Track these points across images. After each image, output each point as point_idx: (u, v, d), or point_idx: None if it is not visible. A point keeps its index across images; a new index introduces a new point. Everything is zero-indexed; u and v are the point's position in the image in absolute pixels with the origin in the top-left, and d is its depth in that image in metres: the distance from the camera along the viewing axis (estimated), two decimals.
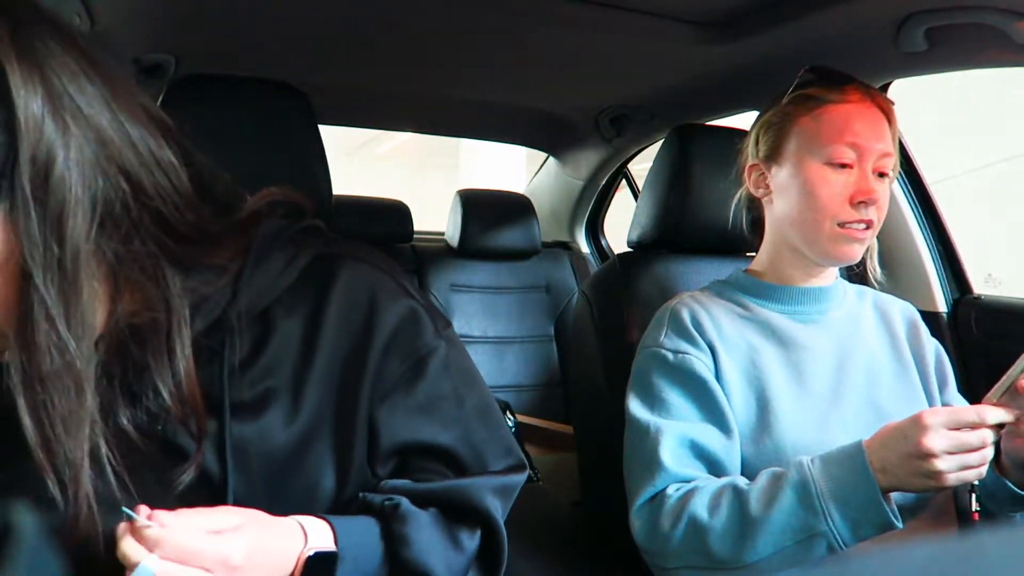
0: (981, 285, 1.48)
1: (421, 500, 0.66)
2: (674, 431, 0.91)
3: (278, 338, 0.64)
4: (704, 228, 1.24)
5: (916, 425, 0.76)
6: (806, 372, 0.96)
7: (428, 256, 2.24)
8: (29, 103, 0.49)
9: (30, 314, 0.50)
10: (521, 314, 2.25)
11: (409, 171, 8.29)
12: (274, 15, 1.35)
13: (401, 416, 0.67)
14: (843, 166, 0.93)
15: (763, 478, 0.84)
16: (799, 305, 1.01)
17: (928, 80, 1.33)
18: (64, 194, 0.50)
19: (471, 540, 0.68)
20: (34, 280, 0.49)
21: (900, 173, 1.49)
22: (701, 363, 0.95)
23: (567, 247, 2.56)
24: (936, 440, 0.74)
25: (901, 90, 1.43)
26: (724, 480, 0.87)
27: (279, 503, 0.61)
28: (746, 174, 1.05)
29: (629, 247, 1.34)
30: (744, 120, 1.56)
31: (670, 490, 0.88)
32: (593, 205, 2.57)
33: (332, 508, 0.65)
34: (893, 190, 1.47)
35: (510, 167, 6.23)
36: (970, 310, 1.42)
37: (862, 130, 0.92)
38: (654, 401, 0.95)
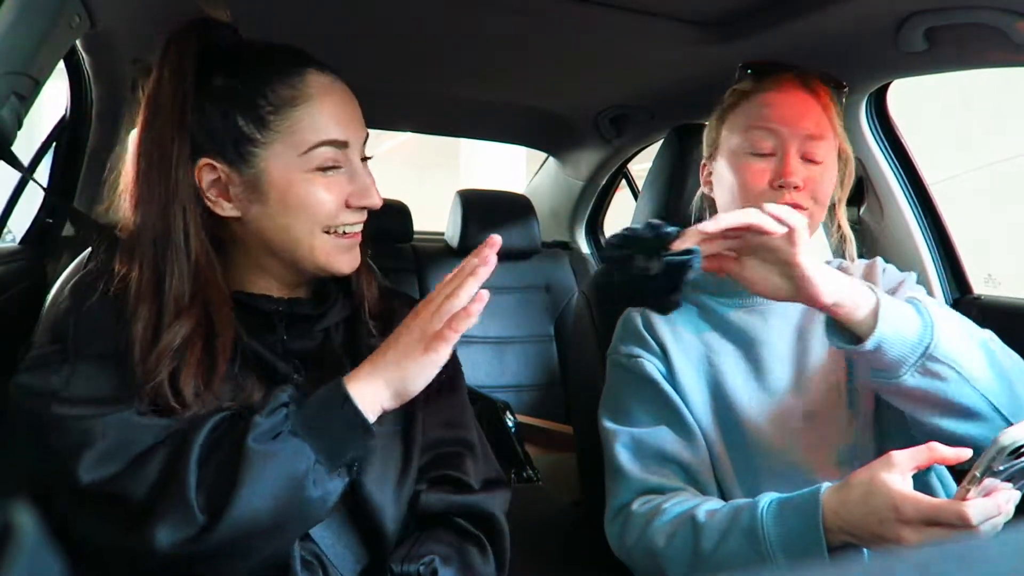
0: (981, 285, 1.48)
1: (463, 508, 0.82)
2: (630, 437, 0.93)
3: (364, 328, 0.86)
4: None
5: (892, 511, 0.68)
6: (765, 367, 0.96)
7: (428, 256, 2.24)
8: None
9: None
10: (521, 314, 2.24)
11: (409, 171, 8.30)
12: (273, 15, 1.35)
13: (443, 414, 0.86)
14: (763, 155, 0.94)
15: (721, 513, 0.82)
16: (752, 296, 0.99)
17: (928, 80, 1.33)
18: None
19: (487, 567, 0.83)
20: None
21: (900, 173, 1.49)
22: (652, 366, 0.96)
23: (567, 247, 2.56)
24: (912, 535, 0.67)
25: (901, 90, 1.43)
26: (687, 505, 0.86)
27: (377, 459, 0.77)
28: (701, 174, 1.07)
29: None
30: None
31: (635, 505, 0.89)
32: (593, 205, 2.57)
33: (396, 471, 0.80)
34: (893, 190, 1.47)
35: (510, 167, 6.23)
36: (970, 310, 1.42)
37: (781, 116, 0.93)
38: (615, 407, 0.98)
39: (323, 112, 0.76)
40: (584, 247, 2.62)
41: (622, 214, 1.95)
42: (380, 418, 0.78)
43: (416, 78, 1.76)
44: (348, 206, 0.78)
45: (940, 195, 1.49)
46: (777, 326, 0.99)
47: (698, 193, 1.11)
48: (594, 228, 2.65)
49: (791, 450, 0.91)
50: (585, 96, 1.93)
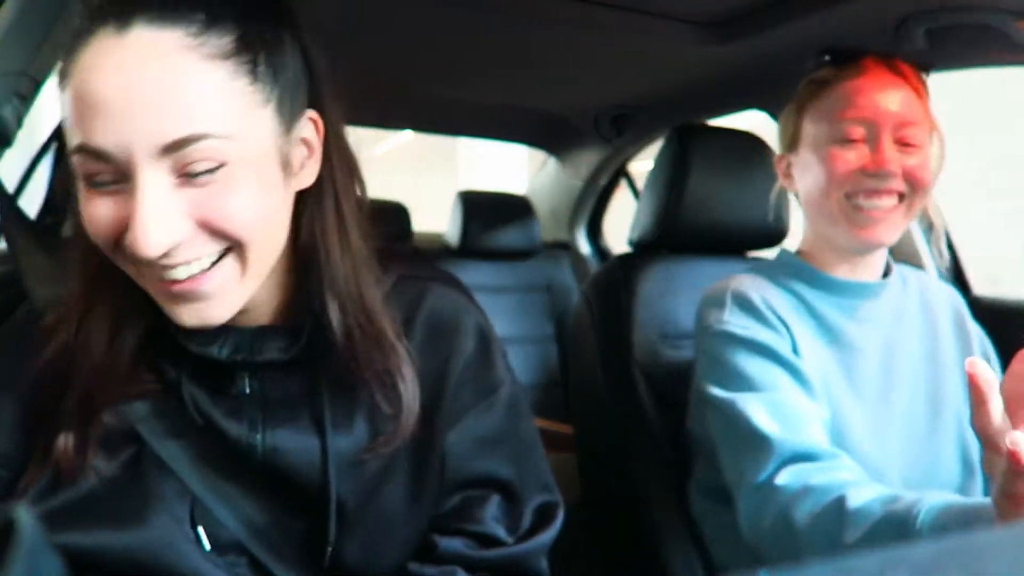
0: (981, 285, 1.48)
1: (478, 567, 0.64)
2: (762, 400, 0.83)
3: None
4: (704, 228, 1.24)
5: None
6: (856, 375, 0.92)
7: (428, 256, 2.24)
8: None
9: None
10: (521, 314, 2.24)
11: (409, 172, 8.30)
12: None
13: (469, 446, 0.66)
14: (853, 141, 0.88)
15: (873, 506, 0.71)
16: (852, 299, 0.94)
17: (928, 80, 1.32)
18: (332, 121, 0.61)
19: None
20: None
21: None
22: (775, 341, 0.88)
23: (567, 247, 2.56)
24: None
25: None
26: (837, 484, 0.74)
27: (359, 525, 0.62)
28: (777, 167, 1.03)
29: (629, 247, 1.34)
30: (744, 120, 1.56)
31: (780, 478, 0.78)
32: (593, 205, 2.57)
33: (403, 536, 0.65)
34: None
35: (510, 167, 6.23)
36: (970, 310, 1.42)
37: (871, 103, 0.88)
38: (732, 378, 0.88)
39: (77, 99, 0.48)
40: (584, 247, 2.62)
41: (622, 214, 1.95)
42: (388, 468, 0.64)
43: (416, 78, 1.76)
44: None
45: (940, 195, 1.49)
46: (869, 333, 0.94)
47: (775, 188, 1.07)
48: (594, 228, 2.65)
49: (881, 461, 0.87)
50: (585, 96, 1.93)
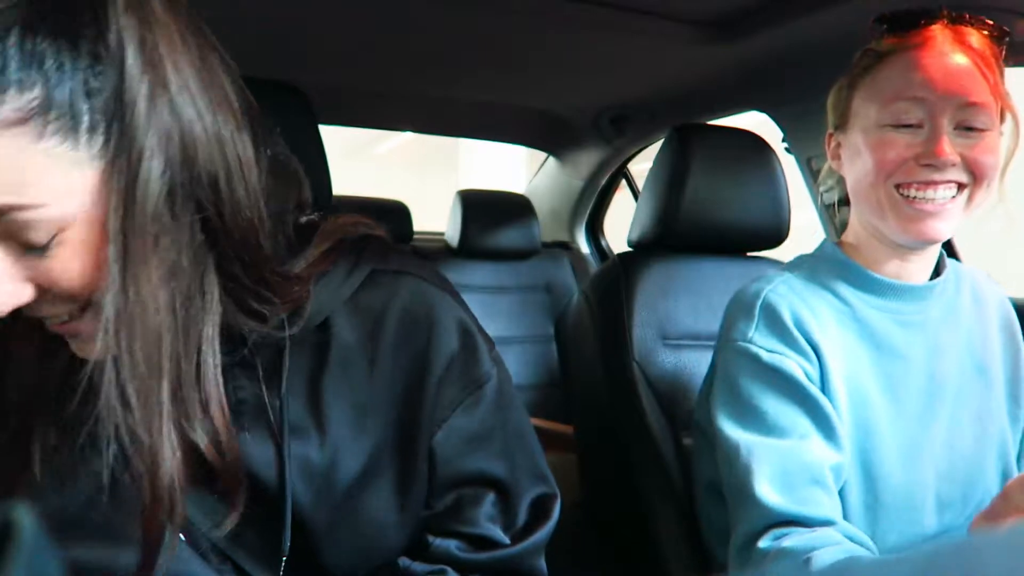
0: None
1: (469, 569, 0.63)
2: (769, 453, 0.78)
3: (337, 353, 0.60)
4: (704, 227, 1.24)
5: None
6: (899, 385, 0.85)
7: (428, 256, 2.24)
8: (131, 65, 0.44)
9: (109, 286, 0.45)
10: (521, 314, 2.25)
11: (409, 171, 8.30)
12: (274, 15, 1.35)
13: (458, 445, 0.64)
14: (908, 126, 0.78)
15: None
16: (901, 302, 0.86)
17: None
18: (143, 164, 0.44)
19: None
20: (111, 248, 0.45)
21: None
22: (801, 369, 0.81)
23: (567, 247, 2.56)
24: None
25: None
26: (803, 556, 0.72)
27: (341, 532, 0.60)
28: (827, 146, 0.92)
29: (629, 247, 1.34)
30: (744, 120, 1.56)
31: (762, 541, 0.76)
32: (593, 205, 2.57)
33: (391, 542, 0.63)
34: None
35: (510, 167, 6.23)
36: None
37: (930, 81, 0.77)
38: (744, 411, 0.82)
39: None
40: (584, 247, 2.63)
41: (622, 214, 1.95)
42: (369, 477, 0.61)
43: (416, 78, 1.76)
44: None
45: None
46: (915, 339, 0.86)
47: (825, 167, 0.98)
48: (594, 228, 2.65)
49: (913, 483, 0.83)
50: (585, 96, 1.93)
